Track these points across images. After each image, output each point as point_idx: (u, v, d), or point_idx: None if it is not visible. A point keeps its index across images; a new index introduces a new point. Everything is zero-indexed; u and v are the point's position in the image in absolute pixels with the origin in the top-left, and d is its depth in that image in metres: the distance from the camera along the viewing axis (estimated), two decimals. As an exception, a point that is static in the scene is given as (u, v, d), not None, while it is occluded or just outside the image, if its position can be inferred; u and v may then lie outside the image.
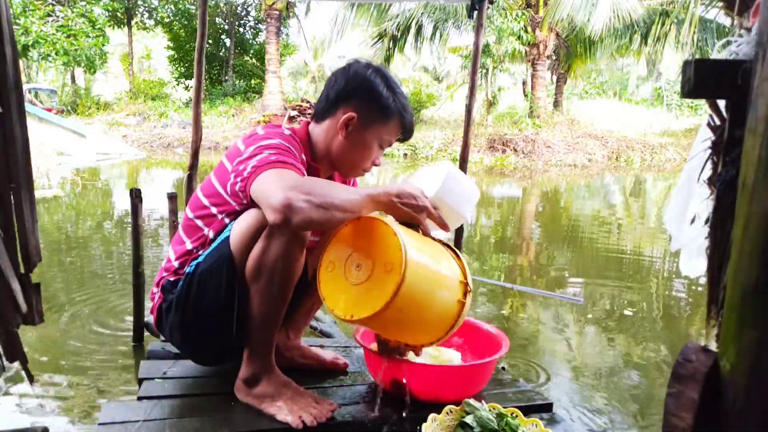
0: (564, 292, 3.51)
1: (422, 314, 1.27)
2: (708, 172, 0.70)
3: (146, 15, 22.61)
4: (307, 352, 1.69)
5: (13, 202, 0.98)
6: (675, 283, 3.89)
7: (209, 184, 1.46)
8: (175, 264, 1.48)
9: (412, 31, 16.18)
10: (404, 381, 1.43)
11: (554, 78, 19.58)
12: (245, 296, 1.36)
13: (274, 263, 1.30)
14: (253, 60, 22.65)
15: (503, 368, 1.86)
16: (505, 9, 15.20)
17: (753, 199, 0.58)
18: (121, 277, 3.39)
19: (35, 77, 24.19)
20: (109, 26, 20.18)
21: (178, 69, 22.70)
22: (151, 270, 2.93)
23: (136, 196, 2.32)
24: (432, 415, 1.28)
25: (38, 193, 6.21)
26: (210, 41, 21.11)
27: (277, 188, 1.17)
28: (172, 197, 2.52)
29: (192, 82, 3.82)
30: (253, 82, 22.15)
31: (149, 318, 2.35)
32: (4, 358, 0.99)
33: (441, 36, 16.57)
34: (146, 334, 2.38)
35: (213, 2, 19.83)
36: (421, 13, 15.80)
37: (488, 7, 2.56)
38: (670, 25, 13.65)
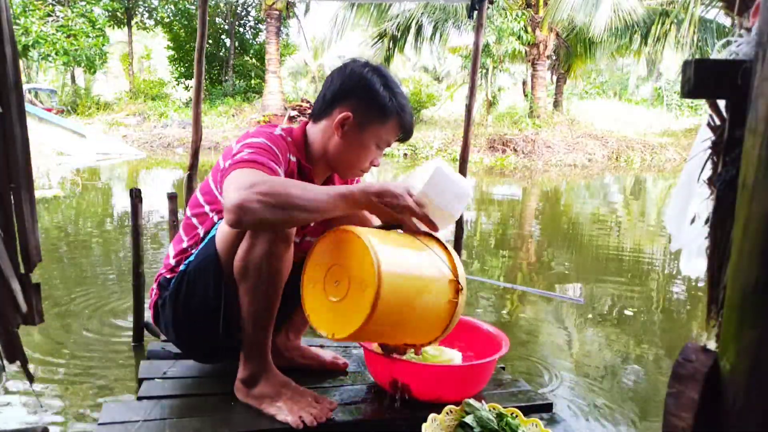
0: (564, 292, 3.51)
1: (407, 323, 1.26)
2: (708, 172, 0.70)
3: (146, 15, 22.61)
4: (307, 352, 1.69)
5: (13, 202, 0.98)
6: (675, 283, 3.89)
7: (206, 182, 1.49)
8: (172, 262, 1.51)
9: (412, 31, 16.18)
10: (397, 380, 1.43)
11: (554, 78, 19.57)
12: (234, 295, 1.37)
13: (260, 262, 1.30)
14: (253, 60, 22.65)
15: (503, 368, 1.85)
16: (505, 9, 15.20)
17: (753, 199, 0.58)
18: (121, 277, 3.39)
19: (35, 77, 24.20)
20: (109, 26, 20.18)
21: (178, 69, 22.70)
22: (151, 270, 2.93)
23: (136, 196, 2.32)
24: (432, 415, 1.28)
25: (38, 193, 6.21)
26: (210, 41, 21.10)
27: (234, 188, 1.16)
28: (172, 197, 2.52)
29: (192, 82, 3.82)
30: (253, 82, 22.14)
31: (149, 318, 2.36)
32: (4, 358, 0.99)
33: (441, 36, 16.57)
34: (146, 334, 2.38)
35: (213, 2, 19.83)
36: (421, 13, 15.80)
37: (488, 7, 2.56)
38: (670, 25, 13.64)
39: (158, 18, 22.12)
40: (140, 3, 21.96)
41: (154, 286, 1.54)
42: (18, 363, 1.01)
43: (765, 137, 0.57)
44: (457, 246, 2.79)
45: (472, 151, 12.40)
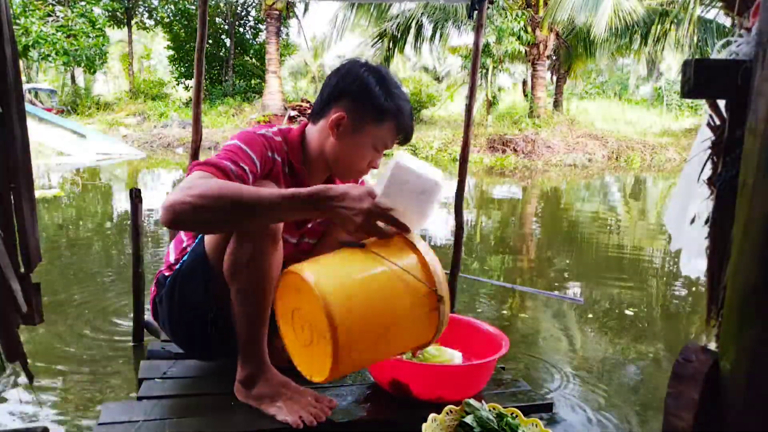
0: (564, 291, 3.51)
1: (386, 352, 1.23)
2: (708, 172, 0.70)
3: (146, 15, 22.62)
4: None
5: (13, 202, 0.98)
6: (675, 283, 3.89)
7: None
8: (172, 260, 1.55)
9: (412, 31, 16.17)
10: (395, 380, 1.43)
11: (554, 78, 19.57)
12: (226, 295, 1.38)
13: (248, 262, 1.29)
14: (253, 60, 22.65)
15: (503, 368, 1.85)
16: (505, 9, 15.19)
17: (753, 199, 0.58)
18: (120, 276, 3.39)
19: (35, 77, 24.22)
20: (109, 26, 20.19)
21: (178, 69, 22.70)
22: (150, 270, 2.93)
23: (135, 196, 2.32)
24: (432, 415, 1.28)
25: (38, 193, 6.21)
26: (210, 41, 21.10)
27: (175, 190, 1.17)
28: (172, 197, 2.52)
29: (192, 82, 3.82)
30: (253, 82, 22.14)
31: (149, 317, 2.36)
32: (4, 358, 0.99)
33: (441, 36, 16.56)
34: (146, 333, 2.38)
35: (213, 2, 19.82)
36: (421, 13, 15.79)
37: (488, 7, 2.56)
38: (670, 25, 13.64)
39: (158, 18, 22.12)
40: (140, 3, 21.96)
41: (154, 283, 1.58)
42: (18, 362, 1.01)
43: (765, 137, 0.57)
44: (457, 246, 2.79)
45: (472, 151, 12.38)
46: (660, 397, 2.02)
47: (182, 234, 1.53)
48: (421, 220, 1.24)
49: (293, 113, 16.50)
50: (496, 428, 1.27)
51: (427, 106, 19.62)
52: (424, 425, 1.26)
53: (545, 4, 15.35)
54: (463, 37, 17.50)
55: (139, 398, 1.43)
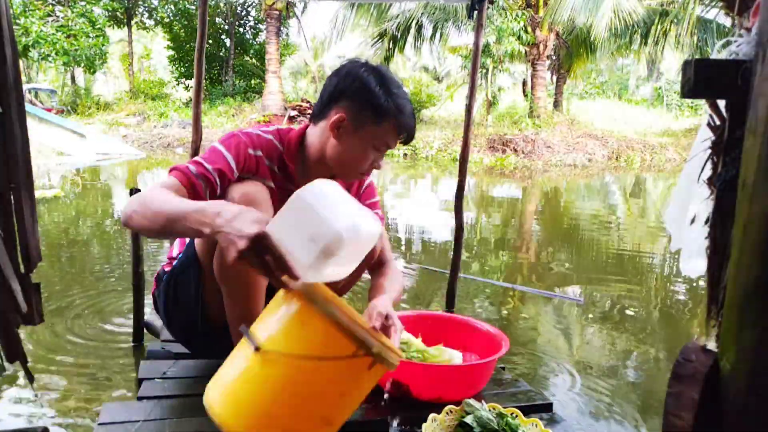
0: (564, 291, 3.51)
1: (336, 416, 1.03)
2: (708, 172, 0.70)
3: (146, 15, 22.62)
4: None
5: (13, 202, 0.98)
6: (675, 283, 3.89)
7: None
8: (173, 254, 1.61)
9: (412, 31, 16.18)
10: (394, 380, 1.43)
11: (554, 78, 19.58)
12: (217, 293, 1.41)
13: (233, 264, 1.31)
14: (253, 60, 22.65)
15: (503, 368, 1.85)
16: (505, 9, 15.20)
17: (753, 199, 0.58)
18: (120, 276, 3.39)
19: (35, 77, 24.24)
20: (109, 26, 20.19)
21: (178, 69, 22.70)
22: (150, 270, 2.93)
23: (136, 196, 2.32)
24: (432, 415, 1.28)
25: (38, 193, 6.20)
26: (210, 41, 21.10)
27: (133, 197, 1.24)
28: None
29: (192, 82, 3.82)
30: (253, 82, 22.15)
31: (149, 317, 2.36)
32: (4, 358, 0.99)
33: (441, 36, 16.57)
34: (146, 333, 2.38)
35: (213, 2, 19.82)
36: (421, 13, 15.80)
37: (488, 7, 2.56)
38: (670, 25, 13.65)
39: (158, 18, 22.13)
40: (140, 3, 21.96)
41: (155, 277, 1.65)
42: (18, 362, 1.01)
43: (765, 137, 0.57)
44: (457, 247, 2.79)
45: (472, 151, 12.40)
46: (660, 397, 2.02)
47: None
48: (316, 274, 0.96)
49: (293, 113, 16.51)
50: (496, 428, 1.27)
51: (427, 106, 19.63)
52: (424, 425, 1.26)
53: (545, 4, 15.35)
54: (463, 37, 17.50)
55: (139, 398, 1.43)
